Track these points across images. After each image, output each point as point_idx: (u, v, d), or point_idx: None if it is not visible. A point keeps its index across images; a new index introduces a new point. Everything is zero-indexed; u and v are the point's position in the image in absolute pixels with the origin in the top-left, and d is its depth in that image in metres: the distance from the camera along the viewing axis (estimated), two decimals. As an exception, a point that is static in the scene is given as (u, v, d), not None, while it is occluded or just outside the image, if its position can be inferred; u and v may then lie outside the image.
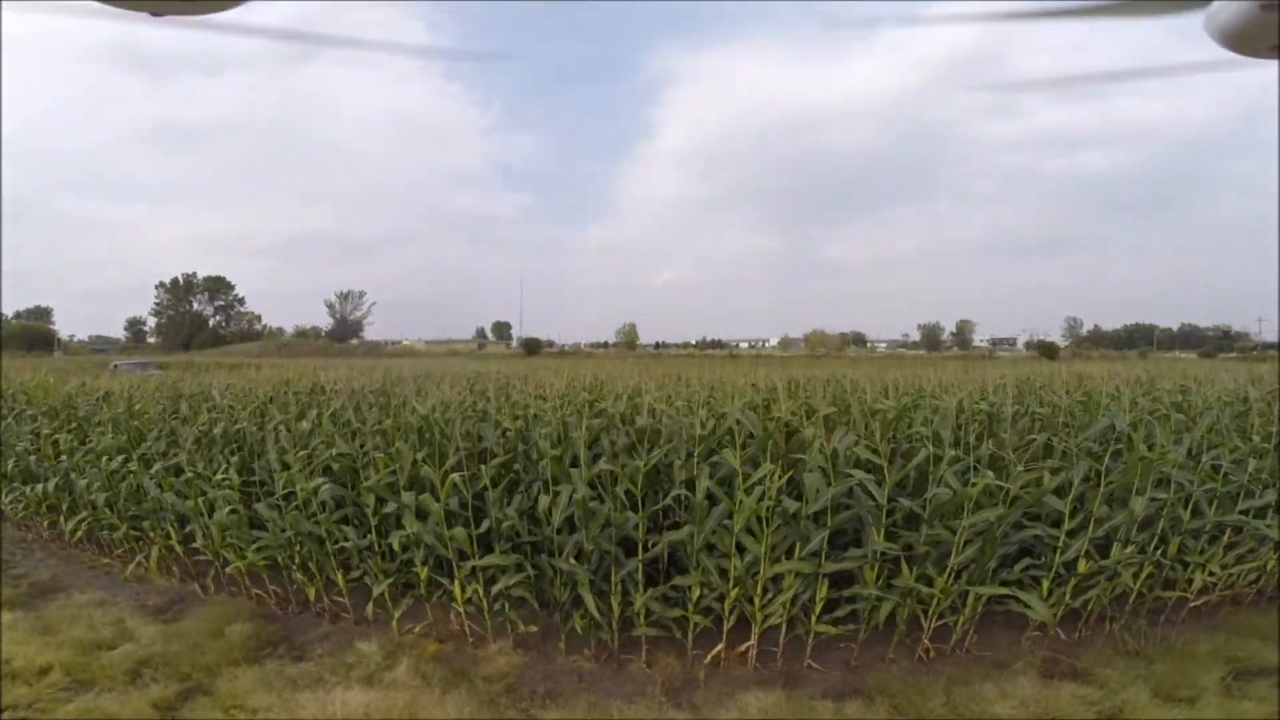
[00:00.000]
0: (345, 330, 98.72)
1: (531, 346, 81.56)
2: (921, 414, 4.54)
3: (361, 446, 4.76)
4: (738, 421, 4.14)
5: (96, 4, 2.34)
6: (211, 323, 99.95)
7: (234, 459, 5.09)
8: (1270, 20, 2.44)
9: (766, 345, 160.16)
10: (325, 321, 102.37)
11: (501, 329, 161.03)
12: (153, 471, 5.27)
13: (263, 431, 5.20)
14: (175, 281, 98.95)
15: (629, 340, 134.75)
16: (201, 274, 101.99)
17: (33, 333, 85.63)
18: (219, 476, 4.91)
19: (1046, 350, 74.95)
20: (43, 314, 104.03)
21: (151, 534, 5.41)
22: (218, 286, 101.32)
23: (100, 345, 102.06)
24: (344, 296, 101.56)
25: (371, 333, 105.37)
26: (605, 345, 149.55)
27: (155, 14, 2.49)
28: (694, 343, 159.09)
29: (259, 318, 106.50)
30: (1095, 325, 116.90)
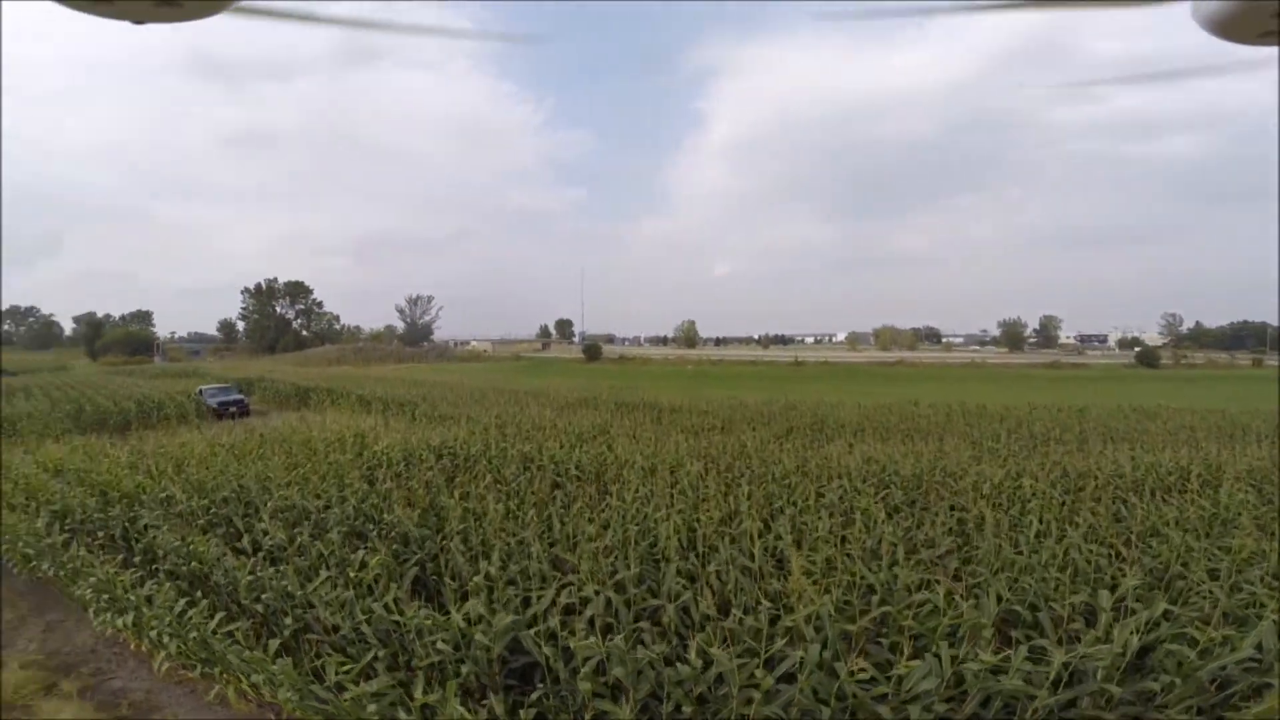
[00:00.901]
0: (416, 334, 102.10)
1: (592, 352, 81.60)
2: None
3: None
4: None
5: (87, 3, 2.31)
6: (294, 325, 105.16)
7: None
8: (1257, 8, 2.42)
9: (833, 340, 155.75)
10: (396, 319, 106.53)
11: (564, 326, 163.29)
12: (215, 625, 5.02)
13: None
14: (259, 286, 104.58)
15: (688, 337, 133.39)
16: (282, 275, 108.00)
17: (135, 339, 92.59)
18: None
19: (1146, 358, 68.84)
20: (144, 318, 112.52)
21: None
22: (297, 291, 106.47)
23: (195, 346, 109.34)
24: (414, 301, 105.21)
25: (440, 332, 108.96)
26: (665, 341, 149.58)
27: (137, 22, 2.50)
28: (756, 338, 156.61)
29: (337, 318, 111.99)
30: (1196, 322, 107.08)
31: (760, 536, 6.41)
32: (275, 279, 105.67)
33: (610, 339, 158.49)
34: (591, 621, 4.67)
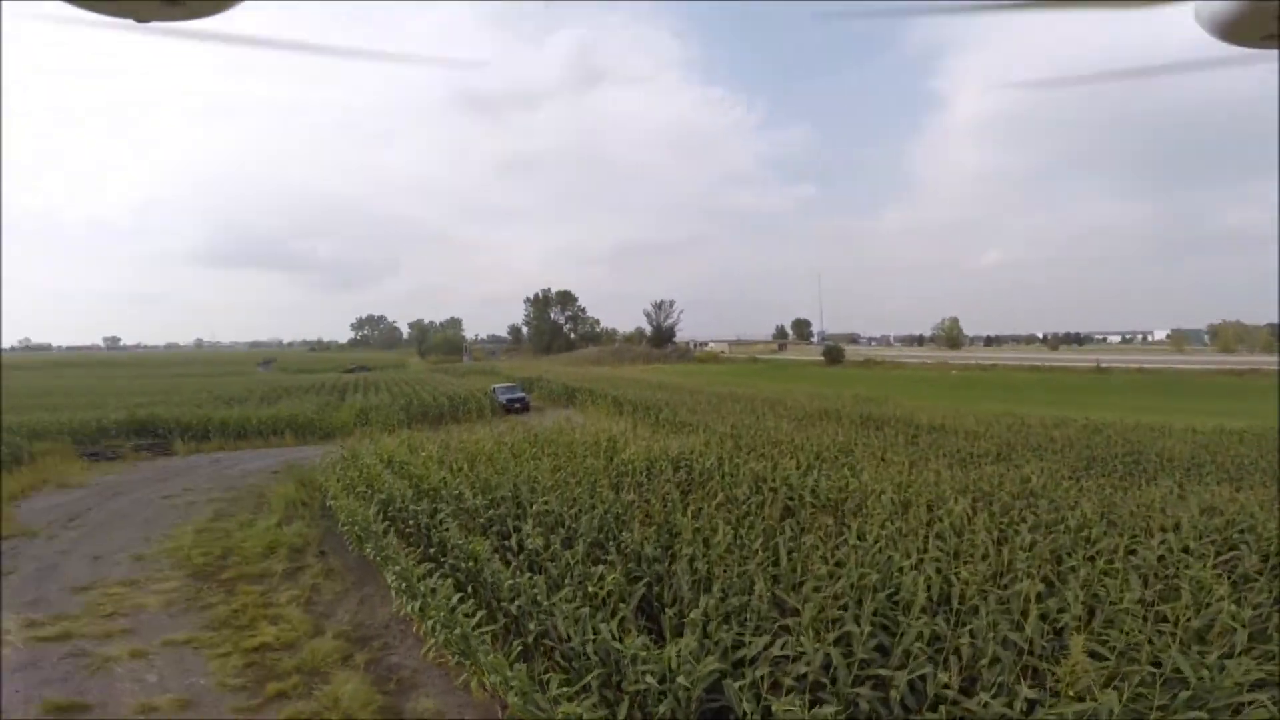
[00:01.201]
0: (661, 336, 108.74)
1: (833, 354, 77.12)
2: None
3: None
4: None
5: (75, 10, 2.38)
6: (564, 329, 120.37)
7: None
8: (1260, 10, 2.40)
9: (1148, 339, 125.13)
10: (644, 322, 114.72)
11: (801, 326, 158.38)
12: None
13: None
14: (537, 296, 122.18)
15: (950, 337, 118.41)
16: (554, 285, 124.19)
17: (450, 341, 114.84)
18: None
19: None
20: (456, 324, 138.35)
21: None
22: (566, 299, 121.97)
23: (492, 347, 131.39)
24: (658, 306, 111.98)
25: (681, 334, 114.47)
26: (920, 340, 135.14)
27: (140, 20, 2.50)
28: (1042, 337, 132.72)
29: (598, 322, 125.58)
30: None
31: (1038, 601, 5.27)
32: (549, 289, 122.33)
33: (854, 339, 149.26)
34: (803, 680, 4.32)
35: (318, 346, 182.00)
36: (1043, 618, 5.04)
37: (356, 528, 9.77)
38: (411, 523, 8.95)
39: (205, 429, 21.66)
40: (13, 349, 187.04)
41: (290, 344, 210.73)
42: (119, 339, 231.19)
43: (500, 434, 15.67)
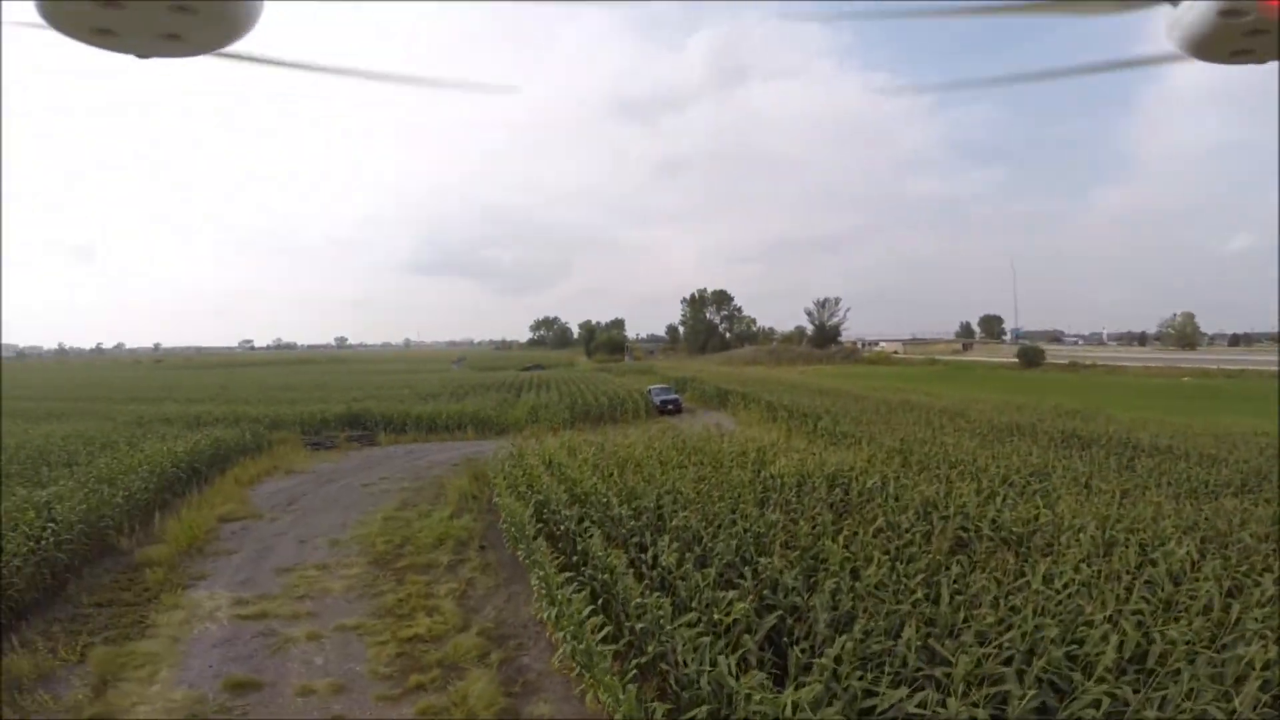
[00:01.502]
0: (824, 336, 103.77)
1: (1030, 356, 67.48)
2: None
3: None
4: None
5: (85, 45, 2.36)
6: (719, 329, 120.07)
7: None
8: (1227, 27, 2.38)
9: None
10: (805, 320, 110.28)
11: (991, 324, 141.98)
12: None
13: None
14: (693, 296, 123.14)
15: (1184, 335, 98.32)
16: (710, 284, 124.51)
17: (613, 341, 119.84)
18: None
19: None
20: (619, 324, 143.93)
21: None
22: (721, 299, 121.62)
23: (650, 346, 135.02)
24: (821, 303, 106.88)
25: (847, 333, 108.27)
26: (1141, 339, 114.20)
27: (141, 56, 2.47)
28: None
29: (754, 320, 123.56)
30: None
31: (1263, 669, 4.22)
32: (705, 289, 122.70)
33: (1057, 337, 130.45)
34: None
35: (502, 346, 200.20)
36: (1264, 687, 4.03)
37: (513, 527, 10.40)
38: (561, 527, 9.29)
39: (404, 422, 24.72)
40: (267, 347, 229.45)
41: (479, 343, 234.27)
42: (346, 339, 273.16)
43: (651, 438, 15.86)
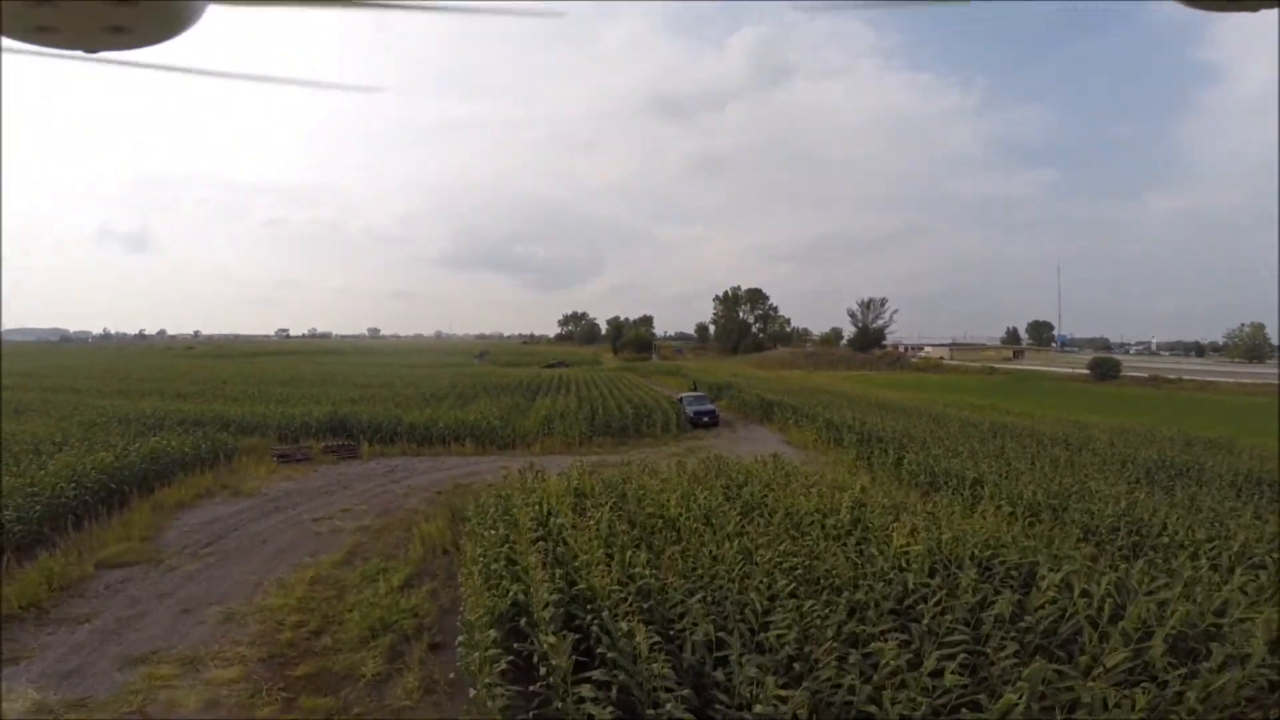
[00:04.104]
0: (868, 339, 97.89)
1: (1104, 368, 60.69)
2: None
3: None
4: None
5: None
6: (753, 329, 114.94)
7: None
8: None
9: None
10: (842, 320, 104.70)
11: (1039, 330, 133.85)
12: None
13: None
14: (726, 294, 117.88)
15: (1254, 347, 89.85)
16: (744, 283, 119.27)
17: (641, 339, 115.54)
18: None
19: None
20: (647, 321, 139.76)
21: None
22: (756, 298, 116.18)
23: (679, 345, 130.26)
24: (866, 305, 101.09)
25: (890, 336, 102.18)
26: (1198, 350, 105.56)
27: (89, 51, 2.15)
28: None
29: (789, 321, 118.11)
30: None
31: None
32: (739, 287, 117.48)
33: (1105, 345, 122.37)
34: None
35: (530, 340, 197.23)
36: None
37: (472, 631, 6.54)
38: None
39: (394, 431, 21.11)
40: (302, 336, 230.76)
41: (508, 337, 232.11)
42: (379, 330, 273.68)
43: (691, 472, 11.90)
